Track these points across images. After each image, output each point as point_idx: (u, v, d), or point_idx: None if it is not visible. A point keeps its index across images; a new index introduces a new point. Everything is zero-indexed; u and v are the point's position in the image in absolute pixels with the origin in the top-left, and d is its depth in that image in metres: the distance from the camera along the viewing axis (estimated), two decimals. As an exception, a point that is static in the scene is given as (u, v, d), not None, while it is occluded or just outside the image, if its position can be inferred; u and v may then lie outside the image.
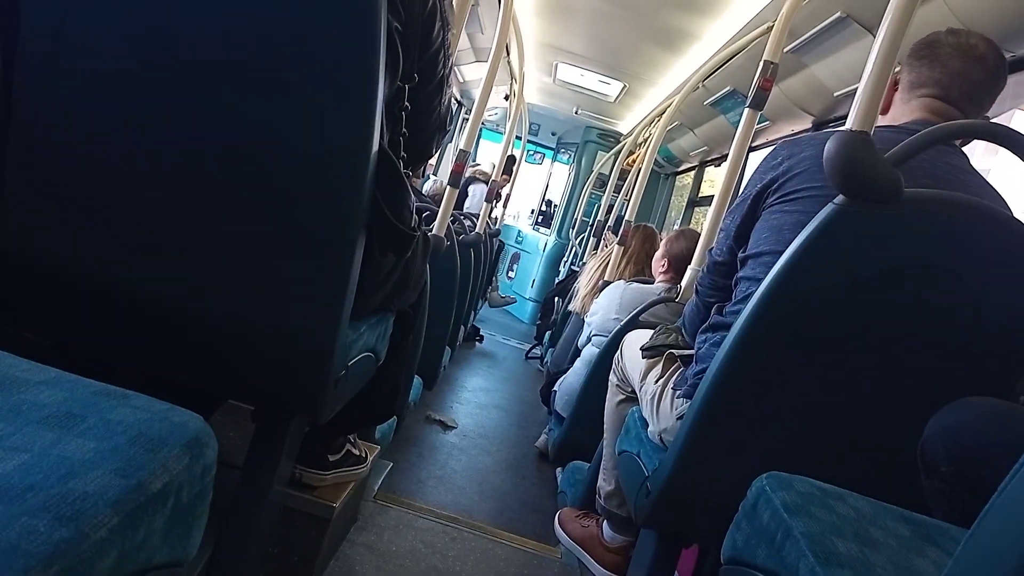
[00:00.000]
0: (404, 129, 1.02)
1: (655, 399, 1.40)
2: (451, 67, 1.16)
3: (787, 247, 1.04)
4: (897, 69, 1.26)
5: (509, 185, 6.23)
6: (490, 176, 5.98)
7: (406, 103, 1.01)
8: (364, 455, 1.54)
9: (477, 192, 6.34)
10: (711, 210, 2.23)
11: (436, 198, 3.05)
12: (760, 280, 1.07)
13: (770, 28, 2.07)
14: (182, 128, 0.92)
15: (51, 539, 0.41)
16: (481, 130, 8.33)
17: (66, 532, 0.42)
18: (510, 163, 6.20)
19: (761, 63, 1.99)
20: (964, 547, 0.49)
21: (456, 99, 6.56)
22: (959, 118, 1.17)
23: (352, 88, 0.88)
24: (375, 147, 0.90)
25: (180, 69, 0.90)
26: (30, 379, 0.55)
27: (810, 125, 3.37)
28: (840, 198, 0.99)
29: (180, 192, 0.94)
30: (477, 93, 2.20)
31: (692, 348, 1.38)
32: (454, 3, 1.38)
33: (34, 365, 0.58)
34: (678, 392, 1.33)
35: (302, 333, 0.97)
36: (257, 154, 0.92)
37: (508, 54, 3.56)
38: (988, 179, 1.18)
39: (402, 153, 1.02)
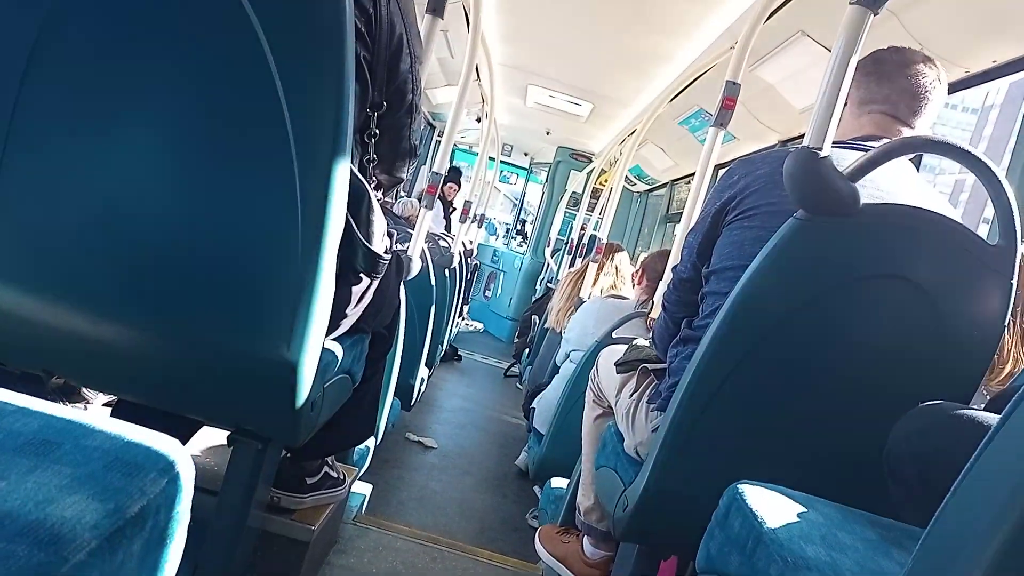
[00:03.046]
0: (374, 155, 1.04)
1: (630, 413, 1.41)
2: (420, 95, 1.19)
3: (750, 260, 1.07)
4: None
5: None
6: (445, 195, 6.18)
7: (375, 129, 1.04)
8: (342, 477, 1.54)
9: (436, 207, 6.43)
10: (679, 227, 2.27)
11: (409, 219, 3.07)
12: (726, 294, 1.10)
13: (733, 48, 2.12)
14: (150, 149, 0.93)
15: (30, 563, 0.41)
16: (455, 152, 8.39)
17: (44, 556, 0.42)
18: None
19: (724, 83, 2.04)
20: (921, 545, 0.51)
21: (429, 122, 6.61)
22: (905, 132, 1.22)
23: (322, 116, 0.89)
24: (345, 172, 0.92)
25: (144, 99, 0.91)
26: (3, 408, 0.55)
27: (776, 142, 3.43)
28: (800, 212, 1.03)
29: (150, 221, 0.95)
30: (449, 116, 2.23)
31: (664, 362, 1.40)
32: (422, 32, 1.40)
33: (7, 394, 0.58)
34: (652, 405, 1.35)
35: (276, 357, 0.97)
36: (226, 180, 0.93)
37: (479, 77, 3.60)
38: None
39: (373, 178, 1.04)
